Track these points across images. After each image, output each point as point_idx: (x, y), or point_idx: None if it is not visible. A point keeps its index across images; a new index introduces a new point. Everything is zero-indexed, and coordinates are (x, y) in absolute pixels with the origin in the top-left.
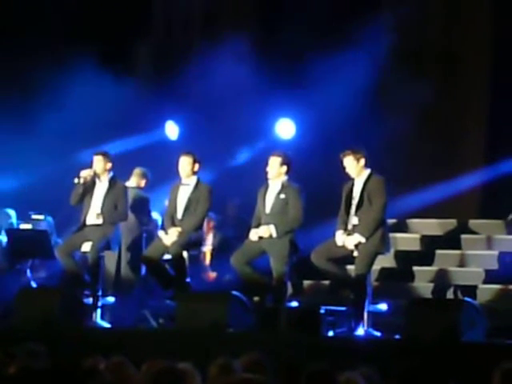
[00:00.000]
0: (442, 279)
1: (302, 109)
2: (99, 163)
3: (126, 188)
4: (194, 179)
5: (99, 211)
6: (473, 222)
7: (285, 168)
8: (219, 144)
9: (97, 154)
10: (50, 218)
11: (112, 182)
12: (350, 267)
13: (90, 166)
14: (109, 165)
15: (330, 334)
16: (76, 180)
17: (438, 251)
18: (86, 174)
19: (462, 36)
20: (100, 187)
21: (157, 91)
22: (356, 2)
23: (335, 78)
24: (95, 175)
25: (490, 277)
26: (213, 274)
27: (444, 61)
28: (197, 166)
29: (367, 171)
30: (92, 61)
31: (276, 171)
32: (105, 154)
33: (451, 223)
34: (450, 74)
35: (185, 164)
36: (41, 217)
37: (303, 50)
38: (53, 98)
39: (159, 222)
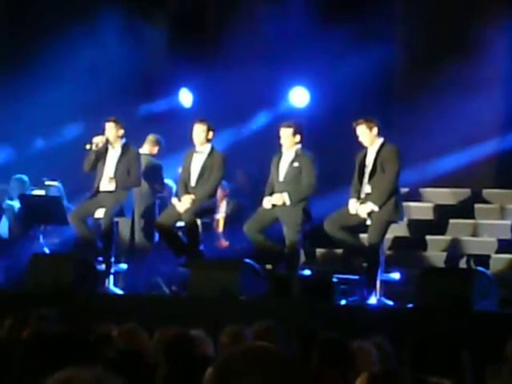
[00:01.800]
0: (454, 248)
1: (316, 77)
2: (111, 130)
3: (138, 154)
4: (207, 147)
5: (112, 176)
6: (486, 192)
7: (298, 137)
8: (233, 112)
9: (108, 120)
10: (59, 184)
11: (124, 148)
12: (363, 236)
13: (102, 132)
14: (121, 131)
15: (343, 302)
16: (88, 146)
17: (451, 220)
18: (98, 140)
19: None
20: (112, 154)
21: (171, 58)
22: None
23: (350, 47)
24: (107, 142)
25: (503, 247)
26: (225, 242)
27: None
28: (211, 134)
29: (380, 140)
30: (105, 27)
31: (289, 142)
32: (116, 121)
33: (465, 192)
34: (466, 47)
35: (199, 131)
36: (54, 183)
37: (317, 18)
38: (66, 65)
39: (174, 190)
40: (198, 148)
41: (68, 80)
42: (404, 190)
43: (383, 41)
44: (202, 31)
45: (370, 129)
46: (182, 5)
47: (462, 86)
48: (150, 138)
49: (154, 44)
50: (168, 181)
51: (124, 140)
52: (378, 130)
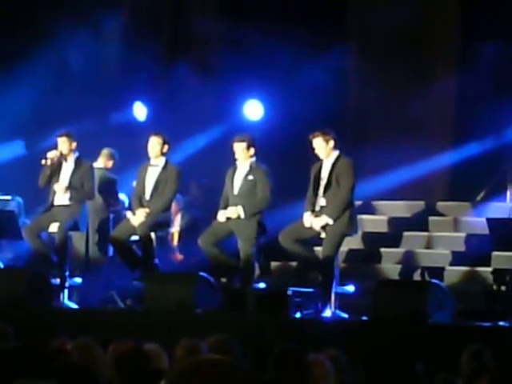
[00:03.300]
0: (409, 261)
1: (270, 90)
2: (64, 144)
3: (91, 167)
4: (162, 160)
5: (66, 187)
6: (440, 204)
7: (252, 150)
8: (187, 125)
9: (60, 135)
10: (19, 199)
11: (78, 161)
12: (318, 249)
13: (55, 147)
14: (74, 144)
15: (298, 315)
16: (43, 161)
17: (406, 233)
18: (52, 155)
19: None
20: (66, 168)
21: (124, 72)
22: None
23: (303, 60)
24: (62, 156)
25: (457, 259)
26: (180, 255)
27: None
28: (166, 148)
29: (336, 153)
30: (57, 39)
31: (243, 155)
32: (68, 135)
33: (419, 205)
34: (419, 57)
35: (154, 144)
36: (8, 197)
37: (271, 33)
38: (20, 75)
39: (126, 204)
40: (152, 161)
41: (23, 94)
42: (358, 202)
43: (336, 54)
44: (156, 44)
45: (327, 141)
46: (136, 17)
47: (414, 98)
48: (105, 151)
49: (107, 57)
50: (120, 195)
51: (77, 154)
52: (335, 142)
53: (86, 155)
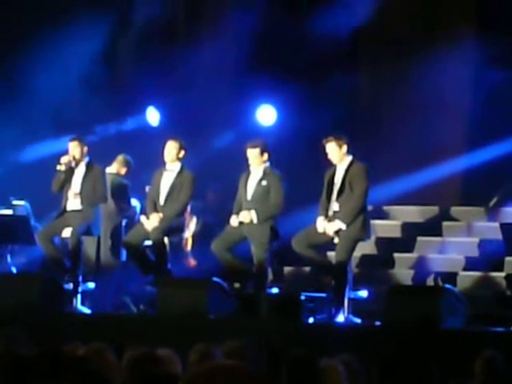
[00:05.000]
0: (422, 266)
1: (283, 95)
2: (76, 148)
3: (103, 171)
4: (178, 165)
5: (78, 192)
6: (454, 209)
7: (265, 156)
8: (200, 130)
9: (72, 140)
10: (26, 203)
11: (89, 166)
12: (331, 254)
13: (66, 152)
14: (85, 148)
15: (311, 320)
16: (58, 167)
17: (419, 238)
18: (66, 160)
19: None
20: (78, 173)
21: (138, 77)
22: None
23: (316, 66)
24: (74, 160)
25: (471, 264)
26: (194, 261)
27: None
28: (182, 153)
29: (349, 158)
30: (71, 45)
31: (257, 161)
32: (80, 139)
33: (432, 210)
34: (432, 52)
35: (171, 148)
36: (21, 202)
37: (284, 38)
38: (30, 84)
39: (137, 209)
40: (168, 166)
41: (35, 99)
42: (371, 207)
43: (348, 60)
44: (168, 49)
45: (340, 146)
46: (149, 23)
47: (426, 104)
48: (120, 158)
49: (120, 62)
50: (132, 200)
51: (88, 158)
52: (348, 147)
53: (98, 160)
